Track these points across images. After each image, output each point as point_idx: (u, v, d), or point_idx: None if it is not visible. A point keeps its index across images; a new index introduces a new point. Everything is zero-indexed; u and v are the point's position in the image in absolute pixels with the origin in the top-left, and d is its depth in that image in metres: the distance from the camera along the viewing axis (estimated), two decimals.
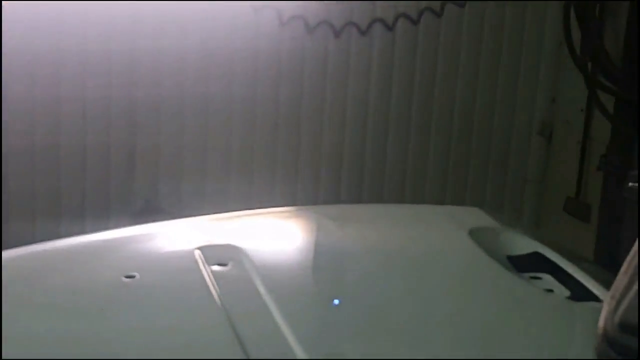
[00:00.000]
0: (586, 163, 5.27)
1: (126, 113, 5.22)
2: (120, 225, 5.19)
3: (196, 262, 2.17)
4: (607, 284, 2.37)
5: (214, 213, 5.21)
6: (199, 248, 2.27)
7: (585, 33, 5.02)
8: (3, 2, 4.82)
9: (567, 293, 2.26)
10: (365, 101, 5.49)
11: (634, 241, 4.59)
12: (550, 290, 2.27)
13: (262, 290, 2.01)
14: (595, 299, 2.19)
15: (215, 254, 2.23)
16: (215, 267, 2.14)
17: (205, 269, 2.12)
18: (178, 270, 2.17)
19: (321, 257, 2.37)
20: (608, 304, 1.79)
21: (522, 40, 5.60)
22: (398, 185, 5.62)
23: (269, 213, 2.90)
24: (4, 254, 2.34)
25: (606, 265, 4.93)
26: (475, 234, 2.48)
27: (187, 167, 5.38)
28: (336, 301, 2.26)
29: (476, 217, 2.79)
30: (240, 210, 5.28)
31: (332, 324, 1.97)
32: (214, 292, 2.00)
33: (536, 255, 2.46)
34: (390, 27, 5.38)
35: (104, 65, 5.10)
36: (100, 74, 5.10)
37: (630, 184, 4.53)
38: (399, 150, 5.59)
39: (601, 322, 1.76)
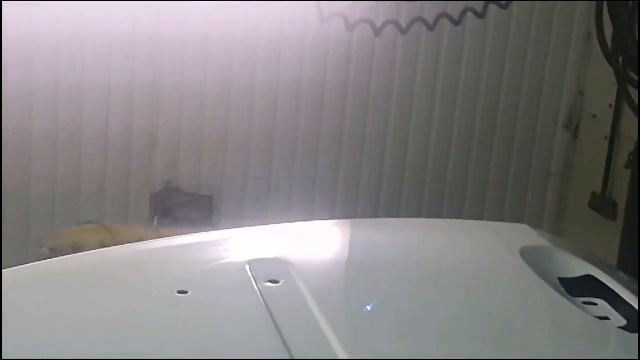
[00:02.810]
0: (614, 159, 5.21)
1: (149, 94, 5.22)
2: (140, 205, 5.31)
3: (248, 279, 2.16)
4: None
5: (233, 196, 5.31)
6: (249, 262, 2.26)
7: (617, 27, 4.93)
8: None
9: (624, 321, 2.22)
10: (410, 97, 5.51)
11: None
12: (606, 318, 2.23)
13: (315, 310, 2.01)
14: None
15: (266, 269, 2.22)
16: (267, 284, 2.13)
17: (257, 286, 2.12)
18: (230, 288, 2.17)
19: (367, 273, 2.39)
20: None
21: (551, 31, 5.52)
22: (419, 170, 5.60)
23: (319, 226, 2.87)
24: (46, 262, 2.31)
25: (629, 267, 4.92)
26: (526, 254, 2.44)
27: (208, 148, 5.38)
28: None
29: (527, 235, 2.75)
30: (260, 192, 5.37)
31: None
32: (266, 311, 2.00)
33: (589, 278, 2.42)
34: (431, 27, 5.22)
35: (127, 48, 5.08)
36: (124, 56, 5.10)
37: None
38: (421, 137, 5.57)
39: None
